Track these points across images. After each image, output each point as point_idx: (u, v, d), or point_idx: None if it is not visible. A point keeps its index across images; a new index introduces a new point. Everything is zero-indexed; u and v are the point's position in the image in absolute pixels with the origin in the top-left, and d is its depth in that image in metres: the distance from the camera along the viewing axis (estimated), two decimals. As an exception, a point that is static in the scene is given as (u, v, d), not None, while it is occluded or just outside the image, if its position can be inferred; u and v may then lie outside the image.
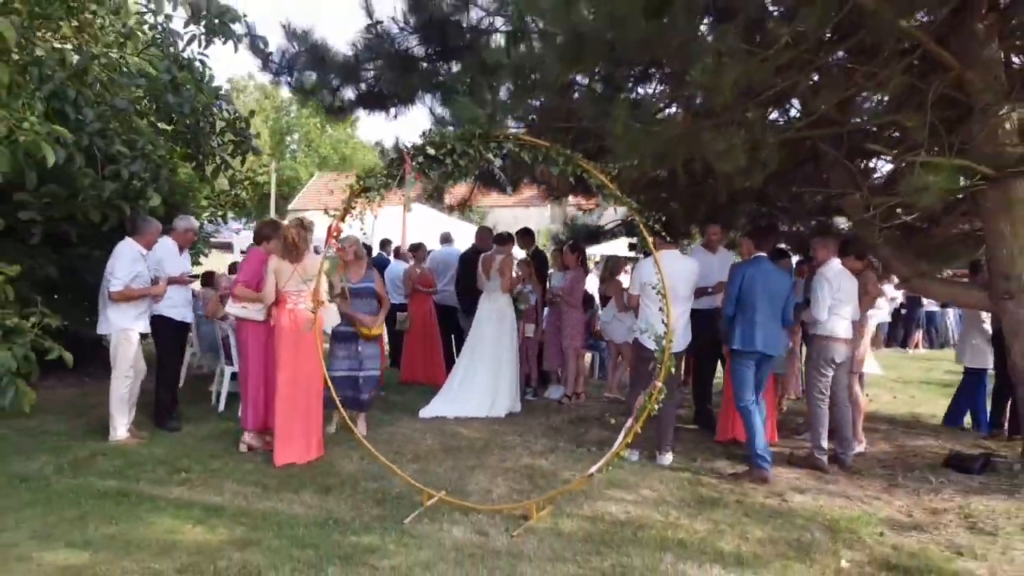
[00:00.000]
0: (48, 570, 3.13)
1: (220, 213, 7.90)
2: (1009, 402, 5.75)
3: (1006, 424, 5.91)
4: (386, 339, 7.32)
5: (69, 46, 5.28)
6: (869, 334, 6.16)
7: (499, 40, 5.25)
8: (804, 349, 6.00)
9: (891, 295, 10.16)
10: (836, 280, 4.82)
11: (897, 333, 13.65)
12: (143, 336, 5.28)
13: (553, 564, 3.28)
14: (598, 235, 8.13)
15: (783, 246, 7.40)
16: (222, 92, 6.92)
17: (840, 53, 4.55)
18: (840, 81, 4.49)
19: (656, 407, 3.71)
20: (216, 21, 6.11)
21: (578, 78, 4.67)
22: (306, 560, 3.23)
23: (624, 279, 8.05)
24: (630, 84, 5.38)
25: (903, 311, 13.36)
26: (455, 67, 5.56)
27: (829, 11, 3.69)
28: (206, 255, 8.13)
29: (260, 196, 32.82)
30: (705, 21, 4.53)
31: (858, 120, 5.16)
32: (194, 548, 3.35)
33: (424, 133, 5.26)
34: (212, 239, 8.85)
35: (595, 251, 12.10)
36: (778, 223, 7.46)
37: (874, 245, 5.22)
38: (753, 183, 4.22)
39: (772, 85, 3.96)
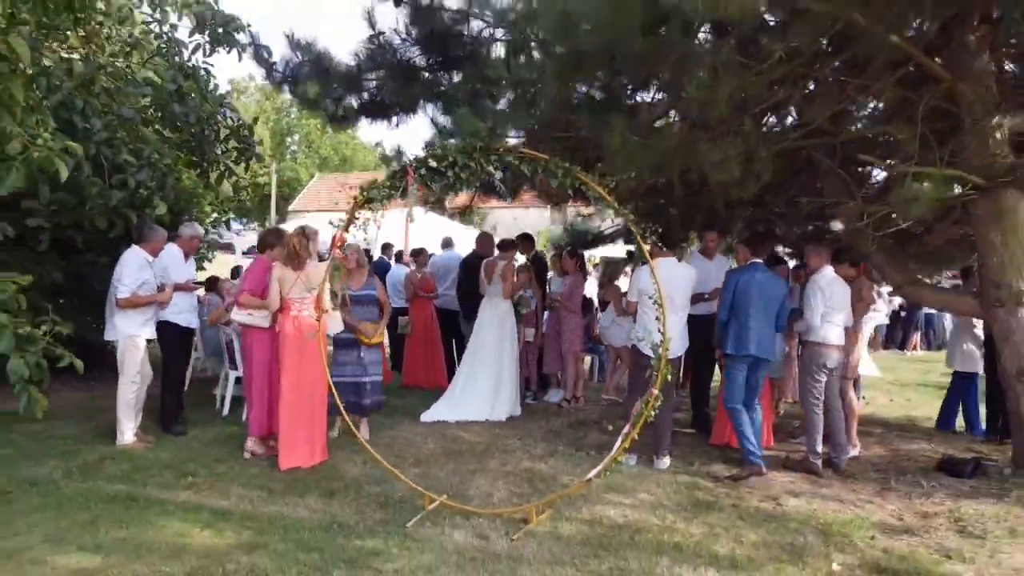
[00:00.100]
0: (61, 573, 3.22)
1: (224, 219, 8.00)
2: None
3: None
4: (387, 344, 7.42)
5: (76, 56, 5.39)
6: (865, 339, 6.25)
7: (499, 50, 5.34)
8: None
9: (890, 297, 10.25)
10: (829, 288, 4.92)
11: (896, 335, 13.75)
12: (148, 341, 5.38)
13: (552, 567, 3.37)
14: (597, 240, 8.22)
15: (780, 252, 7.52)
16: (226, 100, 7.01)
17: (834, 63, 4.63)
18: (833, 93, 4.58)
19: (652, 414, 3.81)
20: (220, 31, 6.23)
21: (577, 86, 4.76)
22: (312, 564, 3.32)
23: (623, 282, 8.16)
24: (628, 91, 5.47)
25: (902, 313, 13.46)
26: (456, 77, 5.65)
27: (822, 27, 3.78)
28: (210, 260, 8.23)
29: (261, 197, 33.00)
30: (702, 33, 4.64)
31: (852, 129, 5.26)
32: (203, 552, 3.44)
33: (426, 146, 5.39)
34: (213, 239, 8.96)
35: (595, 252, 12.19)
36: (775, 228, 7.55)
37: (868, 252, 5.32)
38: (748, 193, 4.31)
39: (767, 98, 4.04)
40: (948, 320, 13.57)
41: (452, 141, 4.80)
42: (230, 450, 5.16)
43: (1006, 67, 5.34)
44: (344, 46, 7.04)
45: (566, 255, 7.25)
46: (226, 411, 6.26)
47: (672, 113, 5.40)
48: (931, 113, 4.61)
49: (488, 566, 3.35)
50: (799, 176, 5.91)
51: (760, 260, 5.16)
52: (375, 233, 4.37)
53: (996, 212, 4.77)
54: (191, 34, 6.29)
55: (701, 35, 4.59)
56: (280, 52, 6.19)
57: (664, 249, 4.70)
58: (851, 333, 5.25)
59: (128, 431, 5.19)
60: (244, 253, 13.79)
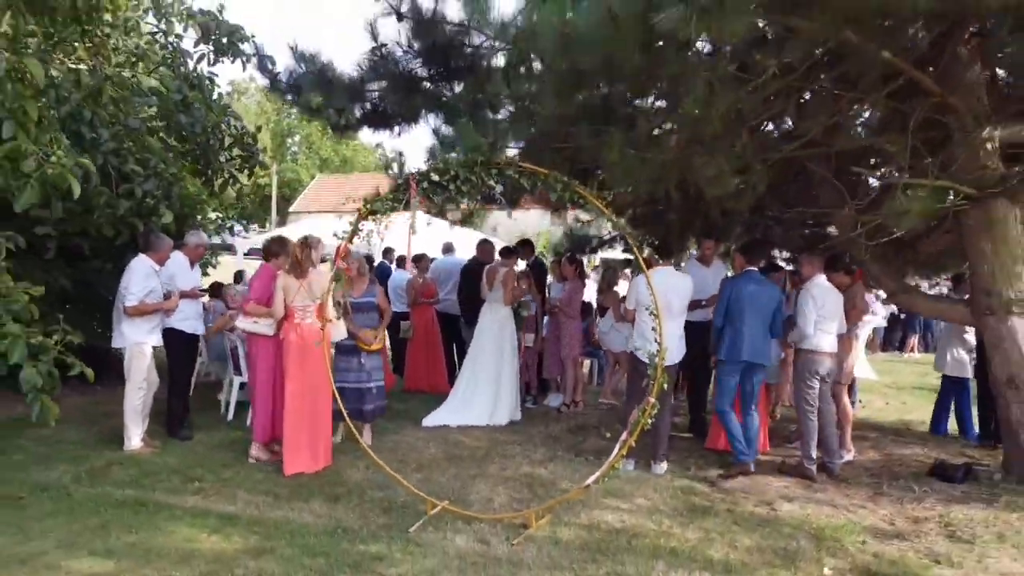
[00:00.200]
0: (75, 578, 3.32)
1: (228, 225, 8.11)
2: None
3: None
4: (388, 348, 7.52)
5: (83, 67, 5.48)
6: (861, 344, 6.35)
7: (500, 60, 5.43)
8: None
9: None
10: (821, 296, 5.02)
11: (894, 337, 13.83)
12: (155, 348, 5.47)
13: (551, 572, 3.47)
14: (597, 246, 8.32)
15: (778, 258, 7.63)
16: (229, 108, 7.11)
17: (828, 77, 4.72)
18: (827, 105, 4.68)
19: (649, 422, 3.91)
20: (224, 40, 6.31)
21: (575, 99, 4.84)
22: (318, 568, 3.42)
23: (622, 287, 8.25)
24: (627, 100, 5.56)
25: (901, 315, 13.53)
26: (457, 87, 5.74)
27: (814, 44, 3.87)
28: (214, 267, 8.33)
29: (261, 199, 33.09)
30: (698, 42, 4.73)
31: (846, 139, 5.34)
32: (211, 556, 3.54)
33: (428, 153, 5.47)
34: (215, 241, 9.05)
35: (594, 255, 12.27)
36: (772, 234, 7.64)
37: (862, 260, 5.41)
38: (743, 205, 4.40)
39: (761, 112, 4.14)
40: (944, 323, 13.67)
41: (453, 155, 4.89)
42: (235, 455, 5.26)
43: (999, 74, 5.41)
44: (346, 48, 7.13)
45: (565, 261, 7.35)
46: (231, 416, 6.36)
47: (670, 124, 5.50)
48: (923, 123, 4.70)
49: (489, 570, 3.45)
50: (796, 183, 6.00)
51: (755, 268, 5.28)
52: (378, 243, 4.48)
53: (987, 222, 4.86)
54: (196, 44, 6.39)
55: (697, 45, 4.71)
56: (283, 61, 6.31)
57: (660, 260, 4.82)
58: (845, 340, 5.35)
59: (135, 436, 5.29)
60: (245, 255, 13.87)
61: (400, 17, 5.17)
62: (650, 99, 5.78)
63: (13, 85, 3.10)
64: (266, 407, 5.22)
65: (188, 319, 5.65)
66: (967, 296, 5.46)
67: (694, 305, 5.57)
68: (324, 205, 29.04)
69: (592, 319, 8.48)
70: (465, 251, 8.88)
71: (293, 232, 16.36)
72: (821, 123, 4.53)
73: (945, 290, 8.45)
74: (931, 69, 4.74)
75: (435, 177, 3.93)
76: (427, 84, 5.78)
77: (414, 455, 5.38)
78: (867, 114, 5.63)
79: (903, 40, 3.97)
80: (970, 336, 6.14)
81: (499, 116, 5.57)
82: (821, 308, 4.97)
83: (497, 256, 7.13)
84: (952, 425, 6.62)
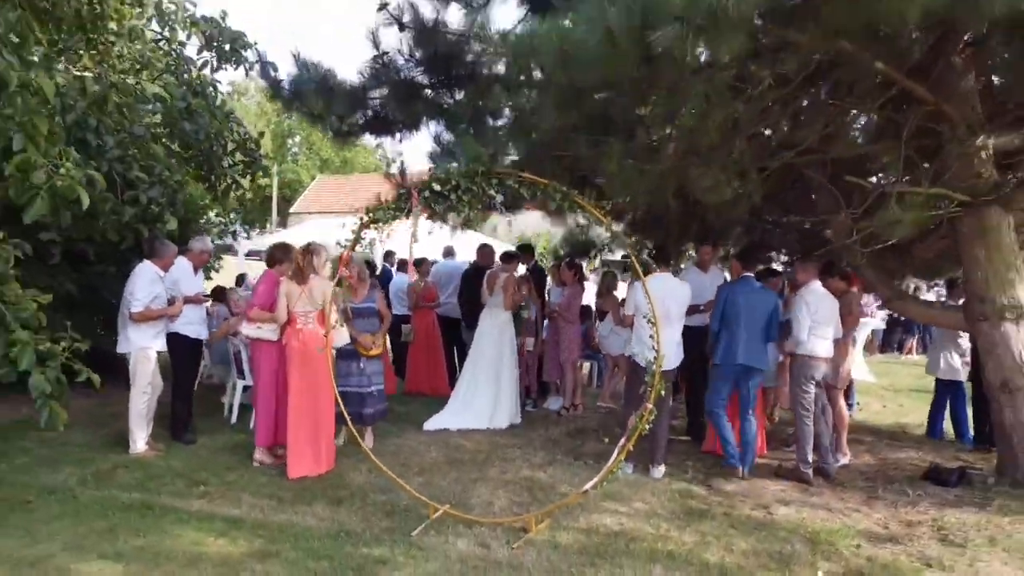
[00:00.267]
0: (84, 581, 3.39)
1: (231, 230, 8.18)
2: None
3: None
4: (390, 351, 7.59)
5: (88, 75, 5.55)
6: (859, 348, 6.42)
7: (500, 68, 5.50)
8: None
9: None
10: (815, 303, 5.09)
11: (893, 339, 13.90)
12: (159, 352, 5.53)
13: None
14: (598, 252, 8.41)
15: (777, 262, 7.71)
16: (233, 114, 7.18)
17: (823, 87, 4.79)
18: (822, 114, 4.75)
19: (647, 428, 3.99)
20: (227, 47, 6.38)
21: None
22: (322, 572, 3.49)
23: (621, 289, 8.33)
24: (625, 108, 5.63)
25: (900, 317, 13.58)
26: (458, 95, 5.81)
27: (810, 55, 3.94)
28: (217, 271, 8.40)
29: (262, 199, 33.16)
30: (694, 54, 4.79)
31: (841, 146, 5.41)
32: (218, 560, 3.61)
33: (429, 157, 5.53)
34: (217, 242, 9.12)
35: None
36: (770, 237, 7.71)
37: (858, 266, 5.48)
38: (740, 212, 4.47)
39: (757, 122, 4.20)
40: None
41: (454, 165, 4.96)
42: (239, 458, 5.32)
43: (994, 81, 5.46)
44: (343, 45, 7.24)
45: (564, 266, 7.42)
46: (234, 419, 6.42)
47: (668, 129, 5.57)
48: (918, 131, 4.77)
49: (490, 574, 3.52)
50: (793, 190, 6.07)
51: (751, 274, 5.36)
52: (380, 250, 4.55)
53: (980, 229, 4.94)
54: (199, 52, 6.46)
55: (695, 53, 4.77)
56: (277, 55, 6.39)
57: (658, 266, 4.90)
58: (841, 345, 5.42)
59: (140, 440, 5.36)
60: (247, 256, 13.96)
61: (402, 27, 5.24)
62: (648, 108, 5.87)
63: (23, 98, 3.16)
64: (269, 411, 5.29)
65: (192, 324, 5.72)
66: (961, 301, 5.53)
67: (692, 310, 5.65)
68: (325, 206, 29.12)
69: (591, 323, 8.56)
70: (466, 254, 8.95)
71: (294, 233, 16.43)
72: (817, 131, 4.60)
73: (944, 292, 8.51)
74: (926, 77, 4.81)
75: (437, 187, 4.00)
76: (428, 91, 5.85)
77: (416, 458, 5.45)
78: (863, 120, 5.70)
79: (897, 50, 4.03)
80: (963, 340, 6.21)
81: (499, 123, 5.66)
82: (815, 314, 5.04)
83: (498, 261, 7.21)
84: (948, 428, 6.69)
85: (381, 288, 6.22)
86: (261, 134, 7.68)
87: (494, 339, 6.65)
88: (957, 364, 6.28)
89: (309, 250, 5.18)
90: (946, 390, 6.52)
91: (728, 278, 6.28)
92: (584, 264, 8.62)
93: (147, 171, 5.74)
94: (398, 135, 6.14)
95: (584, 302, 7.84)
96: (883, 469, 5.56)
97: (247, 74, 6.46)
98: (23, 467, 5.00)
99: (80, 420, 6.20)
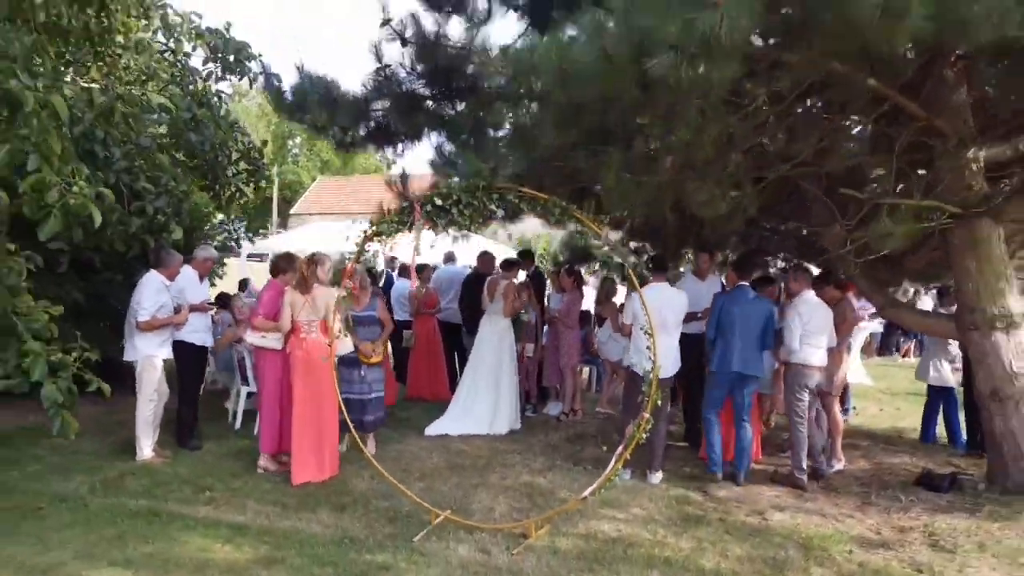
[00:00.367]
0: (96, 587, 3.48)
1: (235, 237, 8.28)
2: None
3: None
4: (391, 356, 7.68)
5: (96, 87, 5.64)
6: (856, 352, 6.51)
7: (500, 81, 5.59)
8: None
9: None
10: (808, 312, 5.19)
11: (891, 342, 13.99)
12: (165, 360, 5.63)
13: (549, 581, 3.64)
14: (598, 265, 8.52)
15: (774, 269, 7.80)
16: (237, 124, 7.28)
17: (816, 102, 4.89)
18: (816, 128, 4.84)
19: (644, 436, 4.08)
20: (232, 58, 6.48)
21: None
22: (327, 578, 3.59)
23: (620, 295, 8.41)
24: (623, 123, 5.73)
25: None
26: (459, 106, 5.91)
27: (804, 74, 4.03)
28: (221, 277, 8.49)
29: (262, 200, 33.25)
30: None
31: (836, 159, 5.50)
32: (225, 566, 3.70)
33: (431, 166, 5.62)
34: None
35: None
36: (767, 244, 7.81)
37: (851, 275, 5.58)
38: (736, 225, 4.56)
39: (752, 138, 4.30)
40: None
41: (455, 180, 5.06)
42: (244, 464, 5.42)
43: (987, 91, 5.55)
44: (345, 49, 7.35)
45: (564, 273, 7.52)
46: (238, 425, 6.52)
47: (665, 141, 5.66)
48: (910, 145, 4.86)
49: (490, 580, 3.62)
50: (789, 202, 6.16)
51: (747, 283, 5.47)
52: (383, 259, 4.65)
53: (971, 240, 5.02)
54: (204, 63, 6.55)
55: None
56: (278, 62, 6.49)
57: (654, 276, 5.00)
58: (835, 352, 5.51)
59: (147, 447, 5.45)
60: (248, 257, 14.06)
61: (404, 43, 5.34)
62: (646, 120, 5.96)
63: (39, 119, 3.26)
64: (273, 419, 5.38)
65: (197, 332, 5.81)
66: (953, 308, 5.62)
67: (690, 317, 5.74)
68: (326, 207, 29.23)
69: (591, 328, 8.65)
70: (466, 259, 9.04)
71: (295, 235, 16.44)
72: (811, 145, 4.69)
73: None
74: (918, 93, 4.90)
75: (438, 201, 4.10)
76: (430, 103, 5.95)
77: (417, 464, 5.55)
78: (858, 131, 5.79)
79: (889, 68, 4.12)
80: (953, 347, 6.30)
81: (500, 134, 5.76)
82: (807, 324, 5.14)
83: (498, 268, 7.30)
84: (942, 432, 6.78)
85: (383, 295, 6.31)
86: (264, 143, 7.78)
87: (494, 345, 6.75)
88: (947, 371, 6.38)
89: (313, 260, 5.27)
90: (938, 396, 6.62)
91: (723, 281, 6.38)
92: (583, 269, 8.73)
93: (153, 182, 5.84)
94: (400, 146, 6.24)
95: (583, 307, 7.93)
96: (878, 474, 5.66)
97: (251, 85, 6.55)
98: (34, 475, 5.10)
99: (88, 427, 6.26)
